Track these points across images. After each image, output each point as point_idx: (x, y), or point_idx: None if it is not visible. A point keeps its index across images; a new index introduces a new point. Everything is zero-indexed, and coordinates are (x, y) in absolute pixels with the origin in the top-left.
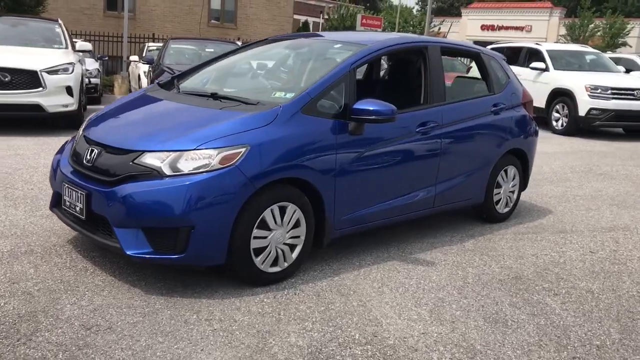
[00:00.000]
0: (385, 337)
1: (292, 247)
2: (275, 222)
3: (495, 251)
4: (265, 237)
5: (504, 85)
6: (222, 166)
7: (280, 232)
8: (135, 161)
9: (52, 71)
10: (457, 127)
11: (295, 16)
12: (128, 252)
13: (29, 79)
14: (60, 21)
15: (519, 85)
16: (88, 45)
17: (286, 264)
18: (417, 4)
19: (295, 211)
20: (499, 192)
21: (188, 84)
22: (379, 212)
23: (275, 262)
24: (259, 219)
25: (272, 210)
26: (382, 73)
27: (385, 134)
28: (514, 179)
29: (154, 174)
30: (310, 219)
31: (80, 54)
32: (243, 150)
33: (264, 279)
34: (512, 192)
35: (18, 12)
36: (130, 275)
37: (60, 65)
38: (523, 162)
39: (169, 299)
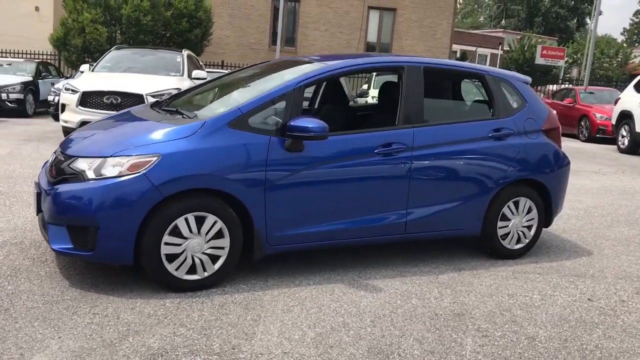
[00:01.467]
0: (243, 350)
1: (215, 258)
2: (191, 231)
3: (469, 287)
4: (179, 245)
5: (515, 110)
6: (130, 173)
7: (197, 241)
8: (70, 165)
9: (156, 95)
10: (436, 150)
11: (461, 47)
12: (53, 246)
13: (135, 101)
14: (183, 52)
15: (543, 110)
16: (203, 74)
17: (206, 274)
18: (622, 34)
19: (215, 222)
20: (507, 226)
21: (175, 102)
22: (326, 232)
23: (193, 271)
24: (171, 226)
25: (186, 219)
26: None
27: (331, 153)
28: (528, 212)
29: (80, 177)
30: (236, 231)
31: (198, 81)
32: (154, 159)
33: (180, 286)
34: (528, 227)
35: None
36: (76, 270)
37: (165, 90)
38: (543, 195)
39: (84, 293)
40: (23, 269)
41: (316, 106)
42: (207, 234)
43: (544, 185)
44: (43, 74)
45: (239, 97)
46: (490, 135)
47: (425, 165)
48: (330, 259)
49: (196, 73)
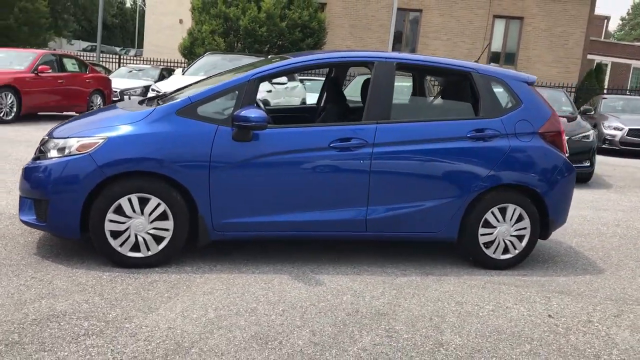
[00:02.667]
0: (133, 321)
1: (159, 239)
2: (134, 211)
3: (420, 291)
4: (122, 223)
5: (506, 110)
6: (78, 152)
7: (141, 221)
8: (43, 145)
9: None
10: (401, 148)
11: (611, 59)
12: (21, 218)
13: None
14: (269, 58)
15: (543, 113)
16: (282, 79)
17: (150, 253)
18: None
19: (159, 204)
20: (490, 233)
21: (170, 96)
22: (277, 223)
23: (137, 249)
24: (115, 204)
25: (129, 199)
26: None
27: (280, 145)
28: (519, 221)
29: (45, 155)
30: (181, 215)
31: (278, 85)
32: (100, 141)
33: (124, 262)
34: (518, 237)
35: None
36: (52, 242)
37: None
38: (538, 203)
39: (41, 260)
40: (8, 236)
41: (322, 105)
42: (150, 215)
43: (536, 192)
44: (165, 78)
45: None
46: (469, 135)
47: (388, 162)
48: (295, 252)
49: (278, 79)
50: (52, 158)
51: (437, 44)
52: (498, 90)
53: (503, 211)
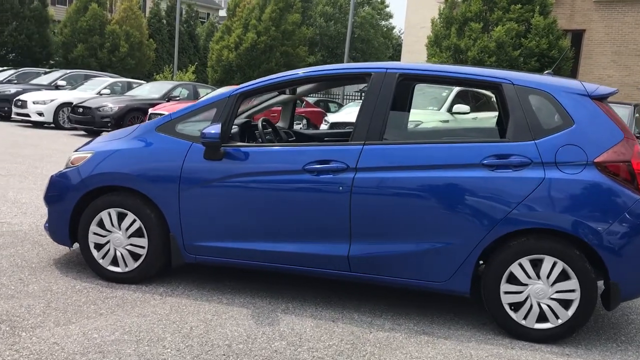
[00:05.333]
0: (33, 332)
1: (136, 255)
2: (113, 225)
3: (383, 350)
4: (104, 236)
5: (546, 132)
6: (72, 165)
7: (119, 236)
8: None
9: None
10: (390, 175)
11: None
12: (44, 224)
13: None
14: (454, 88)
15: (607, 136)
16: (464, 108)
17: (127, 268)
18: None
19: (134, 220)
20: (519, 292)
21: None
22: (249, 251)
23: (116, 263)
24: (97, 218)
25: (109, 213)
26: None
27: (251, 166)
28: (562, 280)
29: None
30: (155, 232)
31: (459, 115)
32: (88, 155)
33: (105, 274)
34: (562, 301)
35: None
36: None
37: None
38: (593, 258)
39: (47, 266)
40: (50, 244)
41: None
42: (127, 230)
43: (586, 243)
44: None
45: None
46: (485, 162)
47: (373, 191)
48: (293, 287)
49: (457, 107)
50: (60, 171)
51: None
52: (540, 105)
53: (536, 264)
